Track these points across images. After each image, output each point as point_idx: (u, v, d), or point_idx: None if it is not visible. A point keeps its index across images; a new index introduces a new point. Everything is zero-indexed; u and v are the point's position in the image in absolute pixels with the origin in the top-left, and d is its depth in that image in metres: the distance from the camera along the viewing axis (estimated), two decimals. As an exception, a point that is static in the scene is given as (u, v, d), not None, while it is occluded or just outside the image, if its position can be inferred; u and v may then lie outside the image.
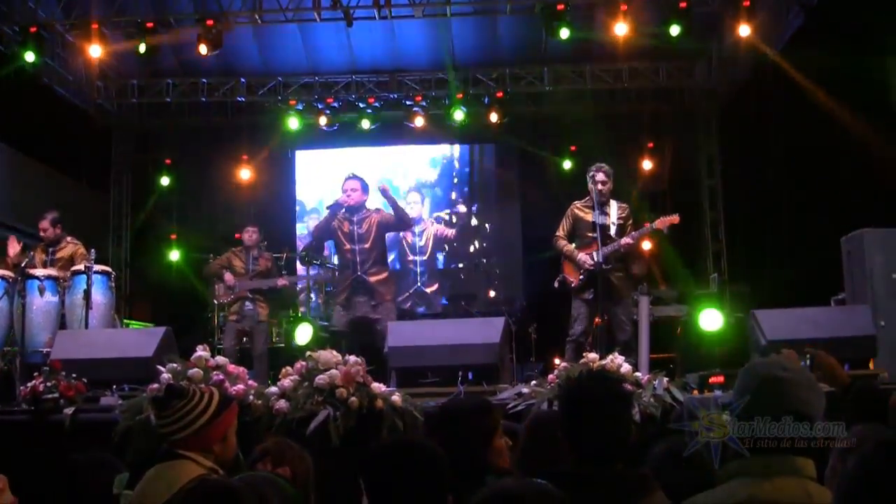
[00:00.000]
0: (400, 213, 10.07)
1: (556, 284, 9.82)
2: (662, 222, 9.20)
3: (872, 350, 7.69)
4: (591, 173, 9.45)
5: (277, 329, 13.13)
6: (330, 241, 10.93)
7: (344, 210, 9.96)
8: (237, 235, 12.15)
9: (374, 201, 10.69)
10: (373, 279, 9.79)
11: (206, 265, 12.09)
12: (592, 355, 6.88)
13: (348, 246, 9.86)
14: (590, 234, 9.31)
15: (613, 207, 9.36)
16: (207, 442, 4.06)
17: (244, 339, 11.70)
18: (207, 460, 4.01)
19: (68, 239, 10.69)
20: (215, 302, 11.84)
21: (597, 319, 9.19)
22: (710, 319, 11.01)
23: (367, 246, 9.82)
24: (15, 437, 6.61)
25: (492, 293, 14.73)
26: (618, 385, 4.12)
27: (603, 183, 9.32)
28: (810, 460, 2.91)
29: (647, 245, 13.29)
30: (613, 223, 9.28)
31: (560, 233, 9.54)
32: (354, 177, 10.05)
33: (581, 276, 9.24)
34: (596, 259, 9.12)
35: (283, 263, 13.39)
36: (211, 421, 4.08)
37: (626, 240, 9.13)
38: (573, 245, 9.41)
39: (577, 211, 9.51)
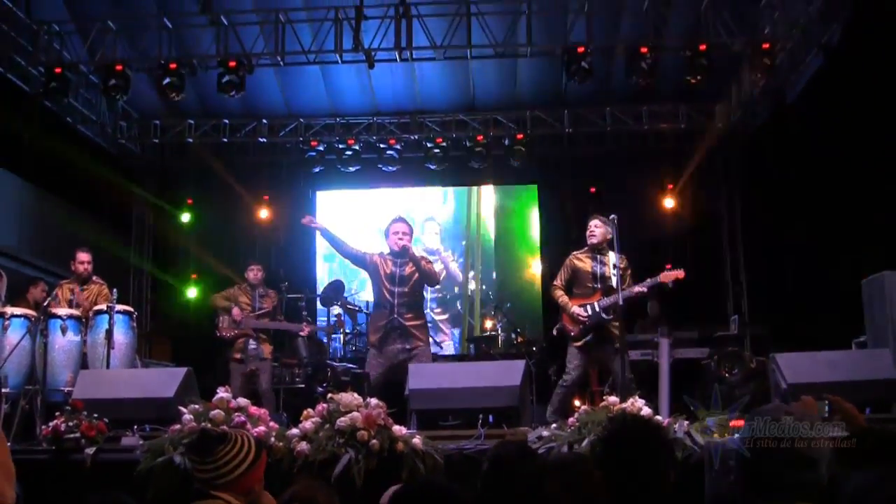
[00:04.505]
0: (424, 272, 9.57)
1: (554, 332, 9.92)
2: (667, 276, 9.24)
3: (894, 394, 7.65)
4: (588, 224, 9.67)
5: (299, 370, 13.08)
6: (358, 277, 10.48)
7: (389, 252, 9.66)
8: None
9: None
10: (409, 323, 9.41)
11: (211, 298, 12.09)
12: (612, 398, 6.88)
13: (388, 287, 9.48)
14: (589, 284, 9.49)
15: (612, 257, 9.41)
16: (245, 486, 4.09)
17: (251, 379, 11.57)
18: (239, 502, 4.04)
19: (95, 279, 10.80)
20: (217, 335, 11.77)
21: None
22: None
23: (406, 290, 9.45)
24: (36, 476, 6.60)
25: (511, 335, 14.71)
26: (662, 432, 4.14)
27: (591, 234, 9.55)
28: None
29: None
30: (613, 274, 9.32)
31: (557, 282, 9.72)
32: (402, 219, 9.75)
33: (581, 326, 9.34)
34: (595, 310, 9.28)
35: (304, 304, 13.39)
36: (251, 466, 4.11)
37: (636, 288, 9.21)
38: (573, 294, 9.56)
39: (575, 261, 9.65)
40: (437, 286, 16.78)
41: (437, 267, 16.75)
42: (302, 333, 11.74)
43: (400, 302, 9.44)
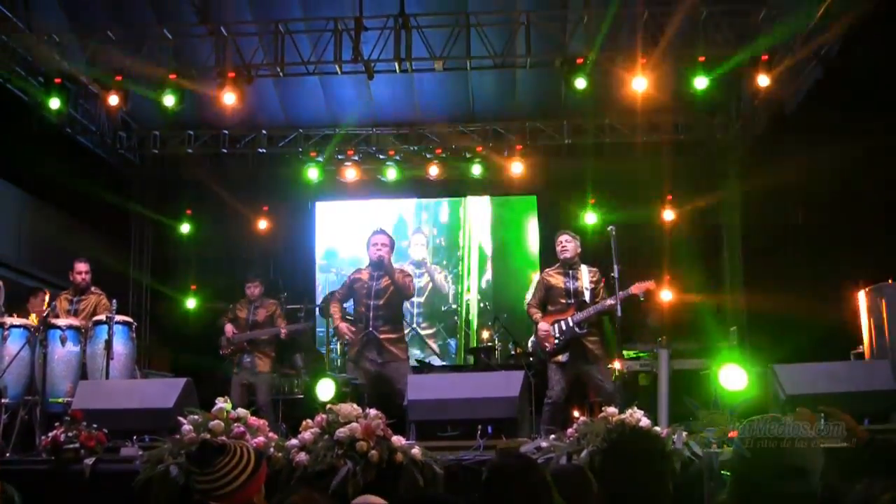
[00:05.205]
0: (397, 284, 9.64)
1: (529, 347, 10.00)
2: (639, 287, 9.39)
3: (892, 404, 7.64)
4: (557, 240, 9.85)
5: (298, 380, 13.10)
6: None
7: (368, 264, 9.84)
8: (254, 287, 12.26)
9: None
10: (383, 336, 9.50)
11: (220, 317, 12.17)
12: (611, 409, 6.87)
13: (364, 300, 9.62)
14: (562, 300, 9.60)
15: (584, 272, 9.63)
16: (244, 498, 4.10)
17: (249, 391, 11.69)
18: None
19: (93, 289, 10.83)
20: (221, 354, 11.91)
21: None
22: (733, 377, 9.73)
23: (381, 303, 9.54)
24: (35, 487, 6.59)
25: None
26: (661, 443, 4.14)
27: (564, 249, 9.71)
28: None
29: (666, 297, 13.31)
30: (586, 288, 9.53)
31: (532, 301, 9.86)
32: (382, 231, 9.88)
33: (556, 341, 9.45)
34: (569, 324, 9.40)
35: (303, 315, 13.39)
36: (251, 477, 4.12)
37: (609, 301, 9.29)
38: (546, 311, 9.69)
39: (548, 278, 9.79)
40: (419, 300, 16.85)
41: (423, 280, 16.86)
42: (281, 335, 11.81)
43: (376, 315, 9.55)
